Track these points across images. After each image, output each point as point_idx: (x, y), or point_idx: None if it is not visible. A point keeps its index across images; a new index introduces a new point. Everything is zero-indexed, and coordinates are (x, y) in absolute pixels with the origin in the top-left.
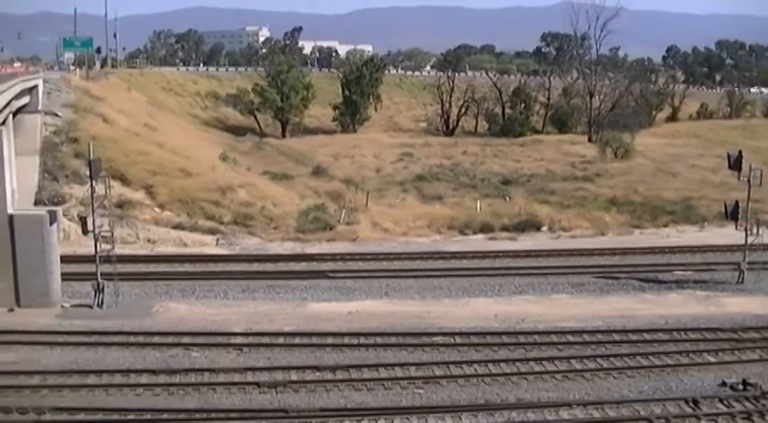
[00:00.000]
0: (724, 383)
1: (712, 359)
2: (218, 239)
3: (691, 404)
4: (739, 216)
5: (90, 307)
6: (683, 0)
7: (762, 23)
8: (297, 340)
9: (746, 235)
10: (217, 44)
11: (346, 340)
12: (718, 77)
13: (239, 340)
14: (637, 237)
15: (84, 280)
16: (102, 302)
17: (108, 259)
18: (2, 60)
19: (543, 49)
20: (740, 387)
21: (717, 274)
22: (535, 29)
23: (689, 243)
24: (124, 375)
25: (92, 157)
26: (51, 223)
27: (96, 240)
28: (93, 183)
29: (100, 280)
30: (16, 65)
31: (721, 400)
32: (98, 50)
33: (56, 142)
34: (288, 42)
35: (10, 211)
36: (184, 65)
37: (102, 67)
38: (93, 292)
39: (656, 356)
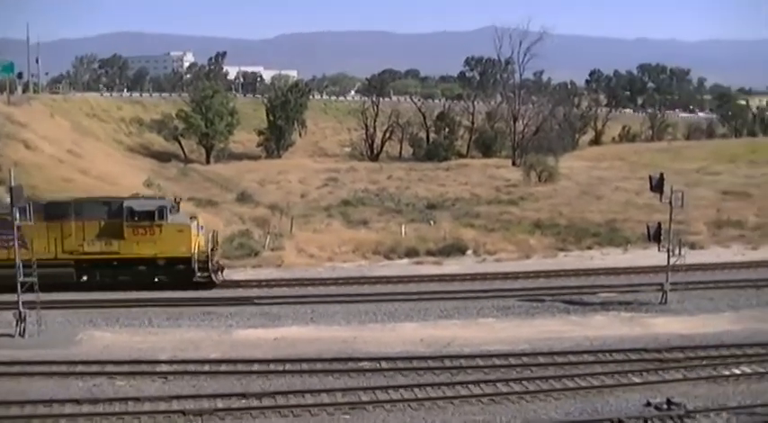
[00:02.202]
0: (649, 403)
1: (637, 380)
2: None
3: None
4: (662, 237)
5: (12, 336)
6: (609, 25)
7: (687, 49)
8: (223, 367)
9: (669, 256)
10: (141, 69)
11: (272, 367)
12: (640, 101)
13: (164, 368)
14: (561, 259)
15: (6, 309)
16: (24, 331)
17: (30, 287)
18: None
19: (467, 74)
20: (664, 406)
21: (641, 295)
22: (460, 53)
23: (613, 265)
24: (47, 406)
25: (14, 183)
26: None
27: (18, 268)
28: (15, 210)
29: (22, 309)
30: None
31: (646, 421)
32: (20, 75)
33: None
34: (212, 67)
35: None
36: (108, 90)
37: (23, 92)
38: (15, 321)
39: (582, 378)
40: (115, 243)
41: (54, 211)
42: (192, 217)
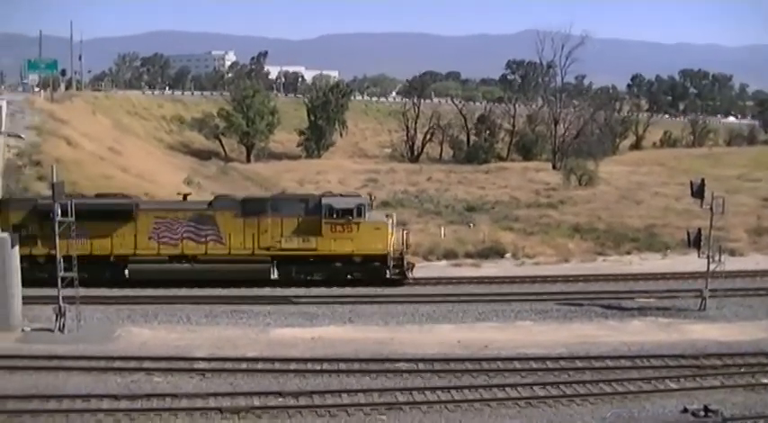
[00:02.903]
0: (686, 410)
1: (674, 386)
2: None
3: None
4: (702, 243)
5: (51, 331)
6: (650, 29)
7: (728, 53)
8: (260, 366)
9: (708, 262)
10: (183, 68)
11: (309, 366)
12: (681, 106)
13: (202, 365)
14: (600, 264)
15: (46, 304)
16: (63, 326)
17: (70, 283)
18: None
19: (509, 77)
20: (702, 413)
21: (679, 301)
22: (501, 56)
23: (652, 270)
24: (85, 401)
25: (55, 180)
26: (13, 246)
27: (59, 263)
28: (56, 206)
29: (62, 304)
30: None
31: None
32: (63, 73)
33: (19, 165)
34: (253, 67)
35: None
36: (150, 88)
37: (66, 89)
38: (55, 316)
39: (619, 383)
40: (313, 240)
41: (251, 208)
42: (388, 215)
